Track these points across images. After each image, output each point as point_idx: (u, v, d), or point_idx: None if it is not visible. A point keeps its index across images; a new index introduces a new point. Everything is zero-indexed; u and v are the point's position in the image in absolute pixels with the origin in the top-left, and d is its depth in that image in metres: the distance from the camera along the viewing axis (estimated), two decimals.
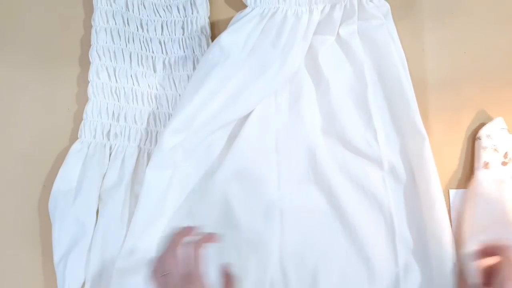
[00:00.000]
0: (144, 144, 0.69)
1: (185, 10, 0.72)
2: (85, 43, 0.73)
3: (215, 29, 0.73)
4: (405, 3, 0.71)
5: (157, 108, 0.70)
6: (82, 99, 0.71)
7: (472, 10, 0.70)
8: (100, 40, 0.70)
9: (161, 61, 0.71)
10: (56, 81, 0.73)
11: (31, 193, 0.70)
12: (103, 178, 0.68)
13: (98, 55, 0.70)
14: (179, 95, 0.70)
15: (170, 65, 0.71)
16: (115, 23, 0.71)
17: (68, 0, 0.75)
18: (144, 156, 0.69)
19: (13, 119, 0.72)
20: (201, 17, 0.71)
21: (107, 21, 0.71)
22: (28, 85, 0.73)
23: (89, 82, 0.69)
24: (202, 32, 0.71)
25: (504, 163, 0.58)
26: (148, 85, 0.71)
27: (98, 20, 0.71)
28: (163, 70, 0.71)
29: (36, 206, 0.69)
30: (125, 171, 0.68)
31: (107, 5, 0.71)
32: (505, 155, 0.58)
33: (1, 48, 0.75)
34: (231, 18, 0.70)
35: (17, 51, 0.74)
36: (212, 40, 0.71)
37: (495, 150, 0.59)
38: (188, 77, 0.70)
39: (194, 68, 0.71)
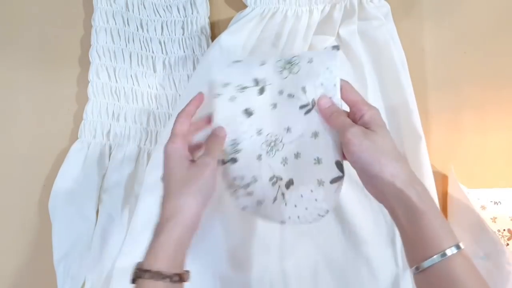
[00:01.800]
0: (144, 144, 0.69)
1: (185, 10, 0.72)
2: (85, 43, 0.73)
3: (215, 29, 0.73)
4: (405, 3, 0.71)
5: (157, 108, 0.70)
6: (82, 99, 0.71)
7: (472, 10, 0.70)
8: (100, 40, 0.70)
9: (161, 61, 0.71)
10: (56, 81, 0.73)
11: (31, 193, 0.70)
12: (103, 178, 0.68)
13: (98, 55, 0.70)
14: (179, 95, 0.70)
15: (170, 65, 0.71)
16: (115, 23, 0.71)
17: (68, 0, 0.75)
18: (144, 156, 0.69)
19: (13, 119, 0.72)
20: (201, 17, 0.71)
21: (107, 21, 0.71)
22: (28, 85, 0.73)
23: (89, 82, 0.70)
24: (202, 32, 0.71)
25: None
26: (148, 85, 0.71)
27: (98, 20, 0.71)
28: (163, 70, 0.71)
29: (36, 206, 0.69)
30: (125, 171, 0.68)
31: (107, 5, 0.71)
32: None
33: (1, 48, 0.75)
34: (231, 18, 0.70)
35: (17, 51, 0.74)
36: (212, 40, 0.71)
37: None
38: (188, 77, 0.70)
39: (194, 68, 0.70)
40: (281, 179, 0.52)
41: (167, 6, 0.72)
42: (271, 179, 0.52)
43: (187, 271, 0.47)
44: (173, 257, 0.46)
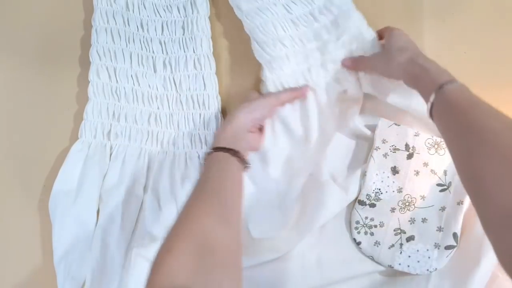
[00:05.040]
0: (145, 144, 0.69)
1: (185, 10, 0.72)
2: (85, 43, 0.73)
3: (215, 29, 0.73)
4: (405, 3, 0.71)
5: (158, 108, 0.70)
6: (82, 99, 0.70)
7: (472, 10, 0.70)
8: (100, 40, 0.70)
9: (161, 61, 0.71)
10: (56, 81, 0.73)
11: (31, 193, 0.70)
12: (104, 178, 0.68)
13: (99, 55, 0.70)
14: (179, 95, 0.70)
15: (171, 65, 0.71)
16: (115, 23, 0.71)
17: (68, 0, 0.75)
18: (144, 156, 0.69)
19: (13, 119, 0.72)
20: (201, 17, 0.71)
21: (107, 21, 0.71)
22: (28, 85, 0.73)
23: (89, 82, 0.69)
24: (202, 32, 0.71)
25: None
26: (149, 85, 0.70)
27: (98, 20, 0.71)
28: (163, 70, 0.71)
29: (36, 206, 0.69)
30: (125, 171, 0.67)
31: (107, 5, 0.71)
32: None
33: (1, 48, 0.75)
34: (231, 18, 0.70)
35: (17, 51, 0.74)
36: (212, 40, 0.71)
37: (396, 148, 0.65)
38: (188, 77, 0.70)
39: (194, 68, 0.70)
40: (404, 232, 0.62)
41: (167, 6, 0.72)
42: (395, 230, 0.63)
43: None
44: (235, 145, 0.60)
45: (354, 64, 0.65)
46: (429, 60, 0.57)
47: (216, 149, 0.60)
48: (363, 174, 0.64)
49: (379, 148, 0.64)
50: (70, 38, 0.74)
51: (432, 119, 0.52)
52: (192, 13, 0.71)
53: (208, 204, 0.51)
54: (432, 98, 0.51)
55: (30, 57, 0.74)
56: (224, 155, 0.59)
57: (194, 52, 0.71)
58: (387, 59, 0.60)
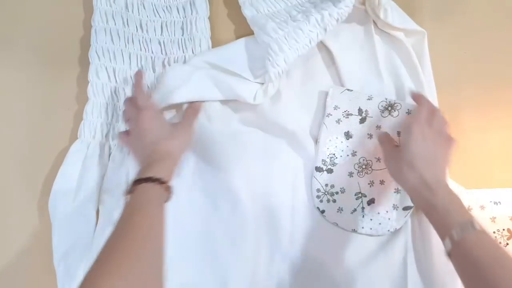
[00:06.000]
0: None
1: (184, 10, 0.72)
2: (85, 43, 0.73)
3: (214, 30, 0.73)
4: (405, 3, 0.71)
5: None
6: (82, 99, 0.71)
7: (472, 10, 0.70)
8: (99, 41, 0.70)
9: (160, 62, 0.71)
10: (56, 81, 0.73)
11: (31, 193, 0.70)
12: (103, 178, 0.68)
13: (98, 56, 0.70)
14: None
15: (170, 66, 0.71)
16: (115, 24, 0.71)
17: (68, 0, 0.75)
18: None
19: (13, 119, 0.72)
20: (201, 17, 0.71)
21: (107, 22, 0.71)
22: (28, 85, 0.73)
23: (89, 82, 0.69)
24: (201, 32, 0.71)
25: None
26: (148, 86, 0.70)
27: (98, 20, 0.71)
28: (162, 70, 0.71)
29: (36, 206, 0.69)
30: (125, 171, 0.67)
31: (107, 5, 0.71)
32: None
33: (1, 48, 0.75)
34: (230, 18, 0.70)
35: (17, 51, 0.74)
36: (212, 40, 0.71)
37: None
38: None
39: None
40: (365, 196, 0.64)
41: (166, 7, 0.72)
42: (356, 194, 0.64)
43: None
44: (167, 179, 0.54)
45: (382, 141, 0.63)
46: (437, 186, 0.53)
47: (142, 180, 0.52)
48: (316, 141, 0.66)
49: (331, 115, 0.66)
50: (70, 38, 0.74)
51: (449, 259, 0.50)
52: (192, 13, 0.71)
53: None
54: (448, 244, 0.49)
55: (30, 57, 0.74)
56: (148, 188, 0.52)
57: (193, 52, 0.71)
58: (396, 165, 0.57)
